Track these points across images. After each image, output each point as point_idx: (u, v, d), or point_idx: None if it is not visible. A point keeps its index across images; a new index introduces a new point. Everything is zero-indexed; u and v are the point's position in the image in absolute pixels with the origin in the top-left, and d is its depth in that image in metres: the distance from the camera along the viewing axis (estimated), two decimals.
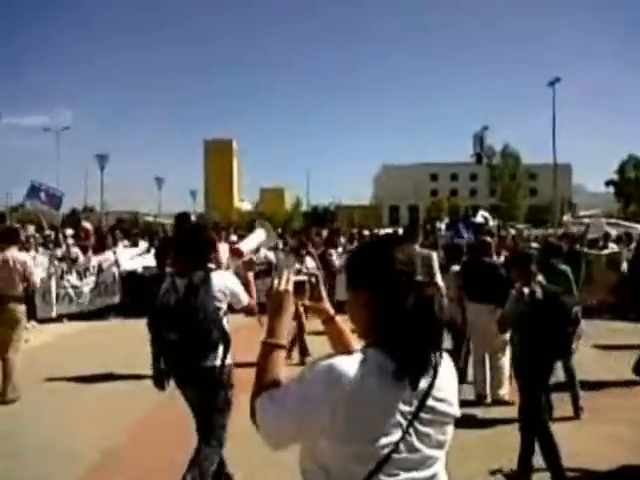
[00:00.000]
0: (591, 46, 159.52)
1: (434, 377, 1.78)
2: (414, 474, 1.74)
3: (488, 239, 8.38)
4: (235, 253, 6.65)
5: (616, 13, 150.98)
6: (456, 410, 1.85)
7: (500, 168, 73.49)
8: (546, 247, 8.28)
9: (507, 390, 7.66)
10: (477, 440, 6.26)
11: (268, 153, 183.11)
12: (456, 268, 8.22)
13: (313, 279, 2.17)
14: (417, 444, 1.73)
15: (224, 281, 4.60)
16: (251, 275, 5.59)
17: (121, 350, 10.45)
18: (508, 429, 6.57)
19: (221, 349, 4.51)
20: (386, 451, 1.69)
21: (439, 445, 1.80)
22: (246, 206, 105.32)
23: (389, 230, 26.74)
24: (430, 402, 1.76)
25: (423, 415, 1.75)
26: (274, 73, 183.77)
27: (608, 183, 78.08)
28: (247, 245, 6.81)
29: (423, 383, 1.75)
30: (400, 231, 25.18)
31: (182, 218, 8.14)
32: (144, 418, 7.06)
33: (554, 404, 6.96)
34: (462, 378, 8.14)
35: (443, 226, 17.21)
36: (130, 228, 24.02)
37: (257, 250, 13.00)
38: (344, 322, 2.18)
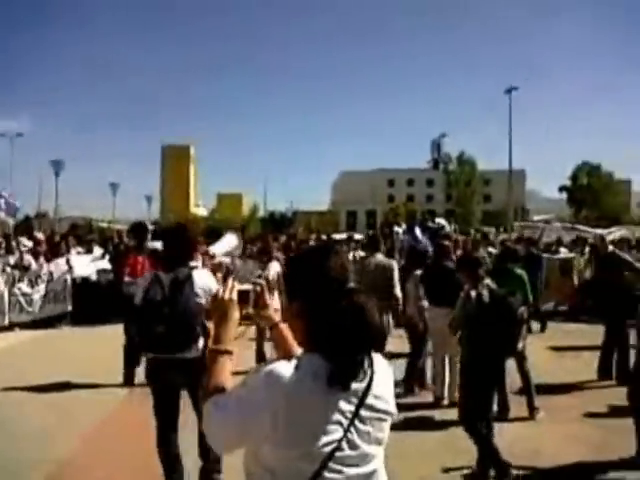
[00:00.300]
0: (548, 55, 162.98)
1: (371, 378, 1.84)
2: (356, 470, 1.81)
3: (447, 243, 8.45)
4: (206, 255, 6.84)
5: (578, 21, 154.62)
6: (393, 408, 1.92)
7: (456, 174, 74.51)
8: (503, 252, 8.38)
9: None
10: (435, 442, 6.31)
11: (225, 159, 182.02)
12: (418, 272, 8.27)
13: (258, 288, 2.26)
14: (358, 441, 1.80)
15: (205, 279, 4.88)
16: (219, 276, 5.78)
17: (74, 358, 10.25)
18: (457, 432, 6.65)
19: (202, 341, 4.78)
20: (329, 449, 1.75)
21: (378, 442, 1.87)
22: (202, 211, 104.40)
23: (344, 235, 26.84)
24: (369, 401, 1.83)
25: (363, 413, 1.81)
26: (232, 78, 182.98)
27: (561, 189, 79.71)
28: (218, 248, 7.03)
29: (360, 384, 1.81)
30: (356, 236, 25.38)
31: (137, 228, 8.09)
32: (100, 425, 6.92)
33: (511, 405, 7.06)
34: (422, 381, 8.21)
35: (401, 230, 17.34)
36: (84, 234, 23.58)
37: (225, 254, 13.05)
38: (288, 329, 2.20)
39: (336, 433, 1.75)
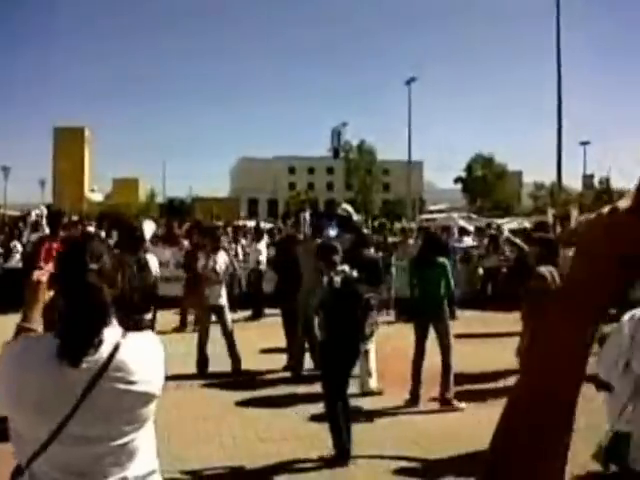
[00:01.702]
0: (446, 46, 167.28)
1: (112, 355, 1.92)
2: (90, 447, 1.91)
3: (366, 232, 8.48)
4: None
5: (468, 16, 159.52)
6: (153, 388, 2.00)
7: (356, 162, 75.53)
8: (427, 240, 8.44)
9: (375, 381, 7.84)
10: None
11: (122, 142, 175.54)
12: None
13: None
14: (91, 419, 1.89)
15: (155, 262, 7.18)
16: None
17: None
18: (380, 422, 6.75)
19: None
20: (57, 422, 1.86)
21: (128, 422, 1.95)
22: (97, 197, 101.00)
23: (248, 222, 26.72)
24: (109, 378, 1.90)
25: (99, 391, 1.89)
26: (129, 60, 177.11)
27: (457, 180, 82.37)
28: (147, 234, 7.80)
29: (94, 362, 1.90)
30: (263, 224, 25.12)
31: (53, 215, 9.17)
32: None
33: (428, 391, 7.20)
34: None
35: (307, 216, 17.45)
36: None
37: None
38: None
39: (65, 408, 1.86)
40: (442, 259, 7.87)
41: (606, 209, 0.77)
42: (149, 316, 7.50)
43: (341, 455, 5.68)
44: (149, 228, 7.98)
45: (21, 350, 1.97)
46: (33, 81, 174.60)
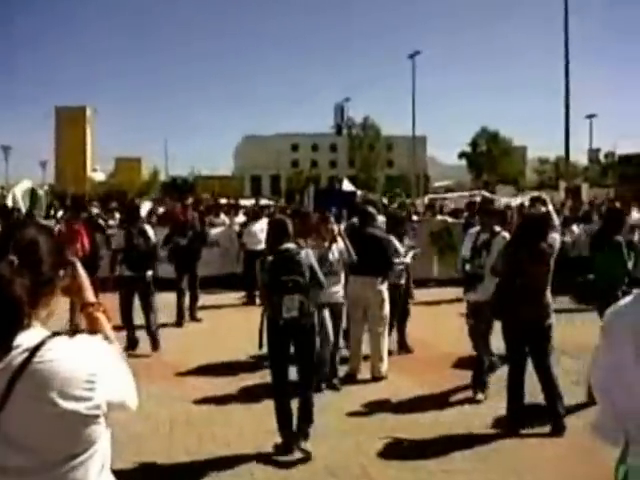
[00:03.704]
0: (452, 19, 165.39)
1: (24, 365, 1.57)
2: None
3: (370, 209, 8.07)
4: None
5: None
6: (83, 406, 1.60)
7: (360, 139, 74.89)
8: (608, 216, 7.97)
9: (386, 366, 7.55)
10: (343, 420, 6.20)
11: (124, 121, 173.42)
12: None
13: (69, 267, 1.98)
14: (3, 446, 1.56)
15: (152, 231, 9.48)
16: None
17: None
18: (389, 405, 6.50)
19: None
20: None
21: (56, 450, 1.60)
22: (99, 176, 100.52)
23: (250, 201, 26.41)
24: (21, 395, 1.55)
25: (11, 410, 1.55)
26: (131, 39, 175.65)
27: (461, 155, 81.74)
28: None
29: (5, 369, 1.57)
30: (264, 201, 24.76)
31: (75, 200, 8.95)
32: None
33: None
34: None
35: (311, 193, 17.34)
36: None
37: None
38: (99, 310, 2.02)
39: None
40: (619, 237, 7.08)
41: None
42: (150, 273, 8.99)
43: (285, 447, 5.39)
44: (145, 207, 8.19)
45: None
46: (34, 61, 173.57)
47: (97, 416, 1.65)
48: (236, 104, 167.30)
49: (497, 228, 7.01)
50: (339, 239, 7.32)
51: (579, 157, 61.99)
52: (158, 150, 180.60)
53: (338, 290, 7.28)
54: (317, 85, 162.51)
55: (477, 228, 7.30)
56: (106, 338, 1.89)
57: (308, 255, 5.60)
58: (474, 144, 79.23)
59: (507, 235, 6.70)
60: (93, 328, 1.96)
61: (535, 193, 21.62)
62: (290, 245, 5.55)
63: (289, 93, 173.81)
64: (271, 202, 25.11)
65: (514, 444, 5.55)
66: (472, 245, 6.96)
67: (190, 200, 15.25)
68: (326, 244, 7.20)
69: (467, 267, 6.98)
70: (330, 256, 7.16)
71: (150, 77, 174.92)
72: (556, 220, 7.02)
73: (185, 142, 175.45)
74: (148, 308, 8.94)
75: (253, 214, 14.35)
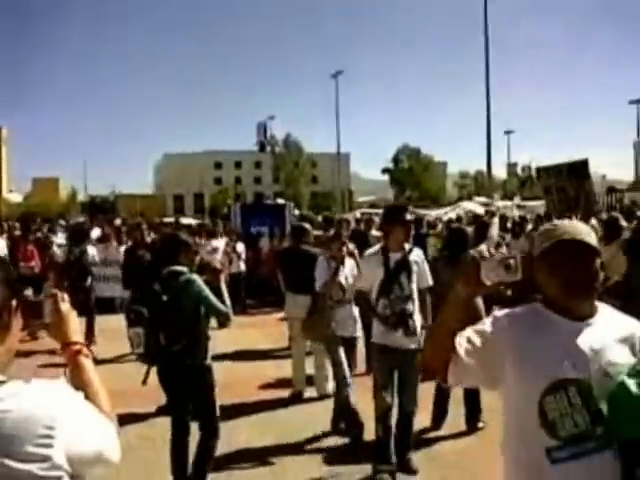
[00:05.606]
0: (376, 38, 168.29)
1: None
2: None
3: (306, 225, 7.97)
4: None
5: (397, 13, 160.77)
6: (37, 467, 1.35)
7: (283, 156, 75.07)
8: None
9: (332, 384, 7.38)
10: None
11: (41, 141, 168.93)
12: None
13: (50, 301, 1.83)
14: None
15: (94, 250, 10.44)
16: None
17: None
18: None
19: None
20: None
21: None
22: (16, 197, 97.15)
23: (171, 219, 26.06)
24: None
25: None
26: (48, 56, 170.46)
27: (384, 171, 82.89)
28: None
29: None
30: (188, 220, 24.41)
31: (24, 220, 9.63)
32: None
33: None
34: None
35: (238, 209, 17.68)
36: None
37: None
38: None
39: None
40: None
41: None
42: (88, 283, 9.84)
43: None
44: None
45: None
46: None
47: (59, 478, 1.39)
48: (157, 122, 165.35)
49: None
50: (349, 259, 6.29)
51: (497, 171, 64.25)
52: (77, 171, 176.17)
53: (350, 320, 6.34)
54: (241, 104, 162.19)
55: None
56: (85, 387, 1.65)
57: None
58: (396, 160, 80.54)
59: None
60: (73, 375, 1.72)
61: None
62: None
63: (212, 111, 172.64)
64: (194, 221, 24.92)
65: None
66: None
67: (118, 221, 15.12)
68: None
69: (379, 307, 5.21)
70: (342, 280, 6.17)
71: (65, 96, 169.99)
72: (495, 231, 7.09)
73: (104, 163, 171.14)
74: None
75: (207, 234, 14.01)
